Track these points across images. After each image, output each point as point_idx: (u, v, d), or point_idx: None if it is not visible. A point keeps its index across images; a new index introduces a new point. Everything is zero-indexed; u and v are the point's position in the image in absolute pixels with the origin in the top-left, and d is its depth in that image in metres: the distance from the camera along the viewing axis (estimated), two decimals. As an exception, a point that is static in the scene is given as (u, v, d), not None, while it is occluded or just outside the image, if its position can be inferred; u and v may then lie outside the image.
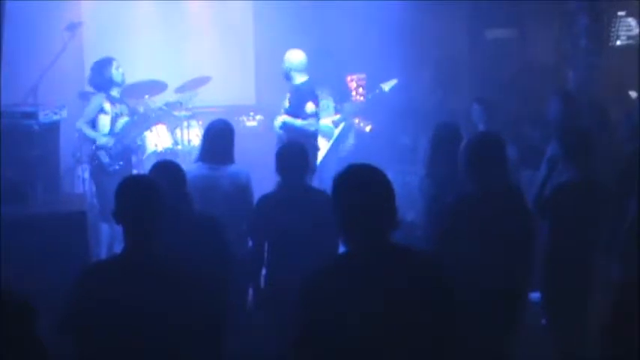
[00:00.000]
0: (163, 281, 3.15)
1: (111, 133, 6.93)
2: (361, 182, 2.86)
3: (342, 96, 8.71)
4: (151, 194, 3.30)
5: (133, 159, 7.36)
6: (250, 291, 5.09)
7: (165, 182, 4.19)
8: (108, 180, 6.44)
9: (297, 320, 2.86)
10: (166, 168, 4.40)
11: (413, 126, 8.17)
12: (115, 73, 6.91)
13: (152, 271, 3.18)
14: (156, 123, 7.93)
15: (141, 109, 7.67)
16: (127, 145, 7.00)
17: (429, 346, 2.78)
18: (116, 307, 3.06)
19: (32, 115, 6.48)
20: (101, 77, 6.92)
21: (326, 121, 8.00)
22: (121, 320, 3.07)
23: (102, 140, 6.88)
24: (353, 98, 9.09)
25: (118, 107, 6.96)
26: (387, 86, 8.08)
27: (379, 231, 2.83)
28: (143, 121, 7.45)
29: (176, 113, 8.27)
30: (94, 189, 7.28)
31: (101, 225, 6.91)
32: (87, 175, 7.53)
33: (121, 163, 6.88)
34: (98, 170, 6.90)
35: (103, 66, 6.94)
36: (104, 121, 6.95)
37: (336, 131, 8.11)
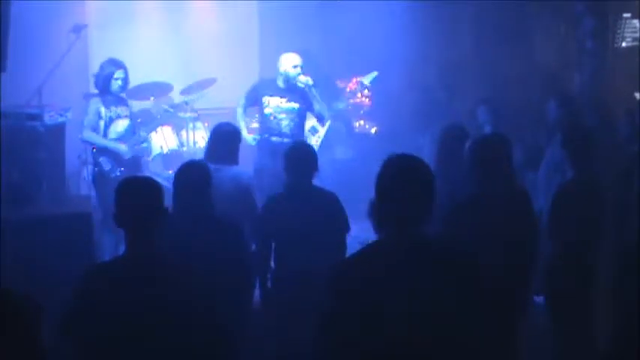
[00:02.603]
0: (165, 282, 3.14)
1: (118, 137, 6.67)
2: (404, 169, 2.88)
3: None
4: (150, 194, 3.28)
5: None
6: (256, 291, 5.10)
7: (191, 182, 4.21)
8: (109, 187, 6.15)
9: (324, 308, 2.87)
10: (194, 169, 4.36)
11: (417, 126, 8.16)
12: (113, 82, 6.60)
13: (154, 272, 3.17)
14: (162, 124, 7.92)
15: (152, 108, 7.63)
16: (136, 152, 6.77)
17: (454, 338, 2.77)
18: (118, 309, 3.06)
19: (37, 117, 6.49)
20: (100, 82, 6.64)
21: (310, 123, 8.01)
22: (122, 322, 3.06)
23: (121, 148, 6.60)
24: (358, 100, 9.09)
25: (114, 110, 6.66)
26: (367, 79, 8.04)
27: (413, 220, 2.83)
28: (149, 122, 7.41)
29: (181, 115, 8.28)
30: (95, 196, 6.93)
31: (104, 235, 6.53)
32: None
33: (122, 169, 6.55)
34: (99, 177, 6.62)
35: (104, 70, 6.65)
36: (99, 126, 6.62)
37: (322, 130, 8.05)
